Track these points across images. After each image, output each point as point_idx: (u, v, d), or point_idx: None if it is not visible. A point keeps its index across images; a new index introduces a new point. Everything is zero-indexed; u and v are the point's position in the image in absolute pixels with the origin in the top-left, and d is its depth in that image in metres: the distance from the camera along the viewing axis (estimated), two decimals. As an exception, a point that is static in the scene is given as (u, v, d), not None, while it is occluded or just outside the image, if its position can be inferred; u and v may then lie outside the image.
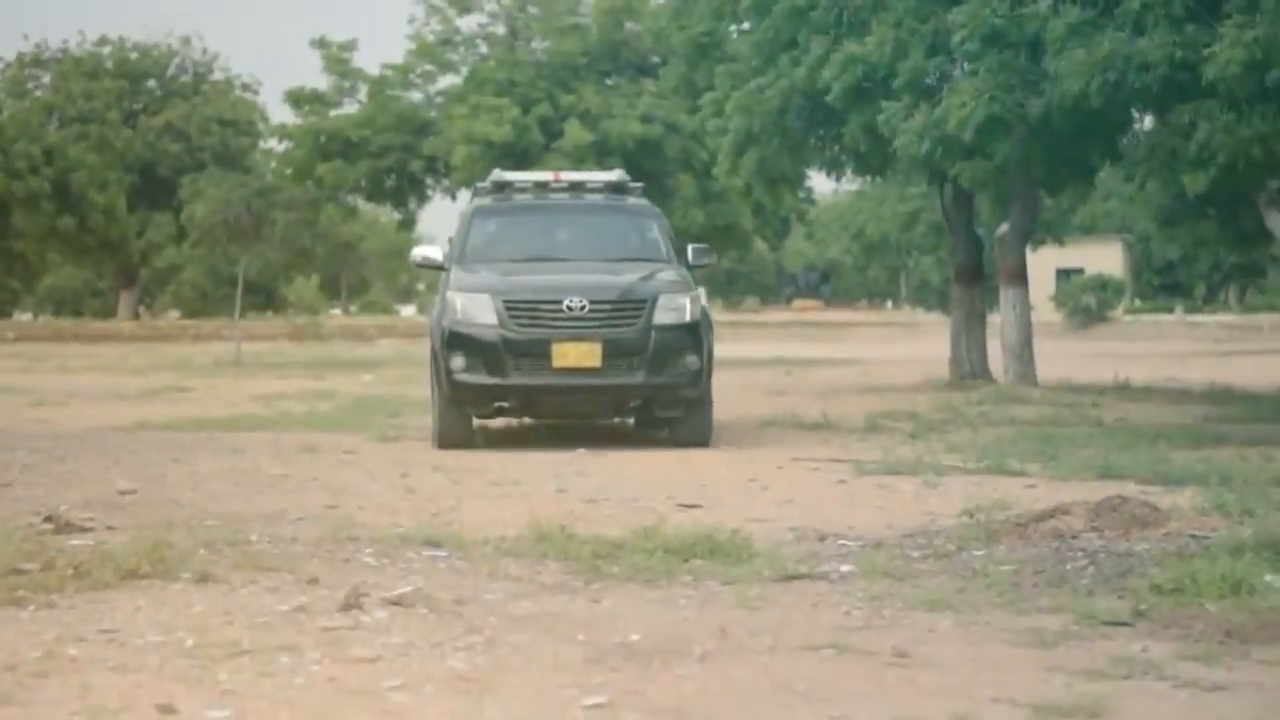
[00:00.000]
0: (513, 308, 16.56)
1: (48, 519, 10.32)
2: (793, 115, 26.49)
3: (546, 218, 18.88)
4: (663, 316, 16.62)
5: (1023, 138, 21.66)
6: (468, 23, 52.50)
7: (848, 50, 24.00)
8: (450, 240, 18.64)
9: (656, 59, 46.28)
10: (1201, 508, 10.88)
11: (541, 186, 19.29)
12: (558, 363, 16.42)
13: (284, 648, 6.86)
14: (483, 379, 16.56)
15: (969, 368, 29.46)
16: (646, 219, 18.77)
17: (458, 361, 16.56)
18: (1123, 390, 25.85)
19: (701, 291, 17.43)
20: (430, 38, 51.89)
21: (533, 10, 51.46)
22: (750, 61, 27.43)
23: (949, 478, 13.27)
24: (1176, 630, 7.46)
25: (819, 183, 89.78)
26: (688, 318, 16.79)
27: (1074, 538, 9.93)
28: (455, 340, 16.63)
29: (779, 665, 6.79)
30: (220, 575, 8.59)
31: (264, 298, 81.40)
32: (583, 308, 16.47)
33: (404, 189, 50.88)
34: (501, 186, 19.16)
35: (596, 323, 16.50)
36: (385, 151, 49.00)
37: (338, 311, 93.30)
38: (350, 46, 52.47)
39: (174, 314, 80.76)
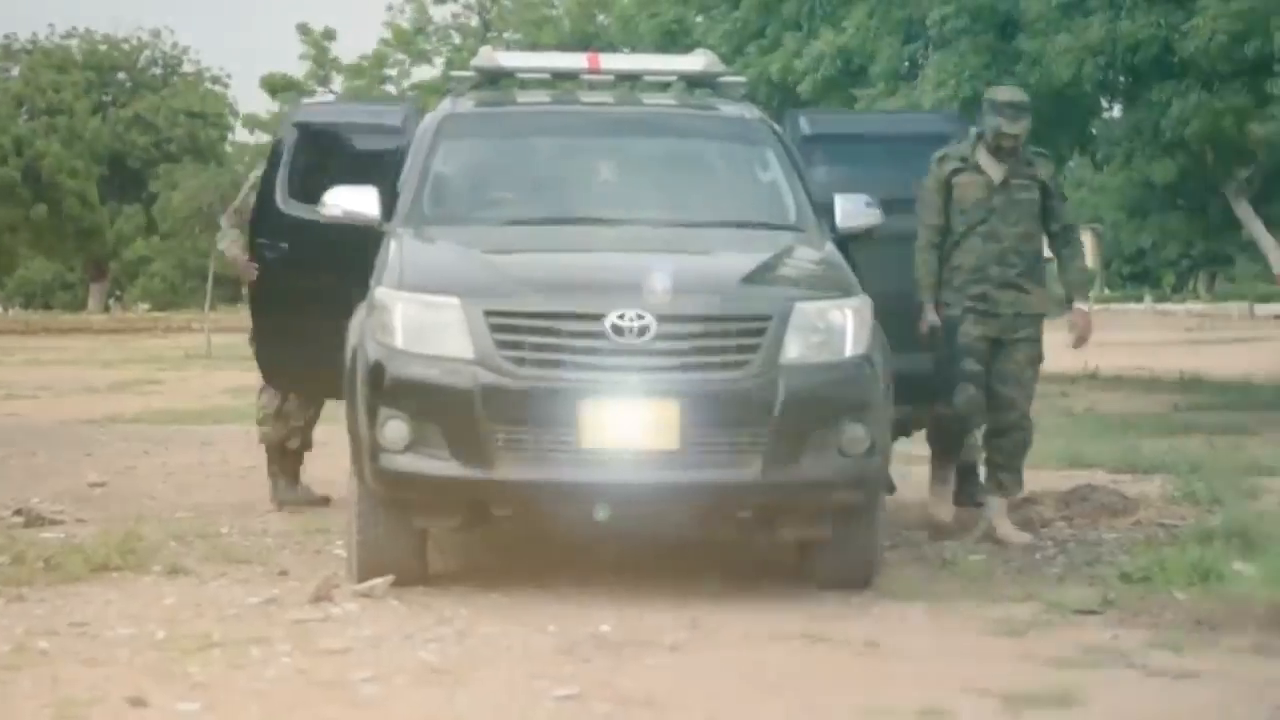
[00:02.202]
0: (505, 326, 7.92)
1: (18, 512, 10.32)
2: (761, 106, 26.60)
3: (575, 140, 9.95)
4: (800, 346, 8.06)
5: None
6: (441, 13, 52.81)
7: (826, 40, 24.09)
8: (396, 178, 9.49)
9: (627, 50, 46.41)
10: (1170, 496, 10.97)
11: (567, 79, 10.47)
12: (592, 439, 7.83)
13: (255, 640, 6.86)
14: (443, 468, 7.90)
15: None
16: (758, 142, 9.72)
17: (394, 432, 7.93)
18: (1092, 379, 25.84)
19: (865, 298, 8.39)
20: (405, 25, 52.22)
21: (506, 3, 51.67)
22: (719, 50, 27.52)
23: (917, 468, 13.26)
24: (1146, 618, 7.51)
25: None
26: (849, 348, 8.16)
27: (1044, 526, 10.01)
28: (391, 389, 8.02)
29: (749, 656, 6.81)
30: (191, 568, 8.62)
31: (234, 290, 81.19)
32: (643, 329, 7.84)
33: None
34: (494, 77, 10.28)
35: (670, 359, 7.91)
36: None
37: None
38: (330, 35, 52.87)
39: (144, 307, 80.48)
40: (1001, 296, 9.68)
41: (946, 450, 10.20)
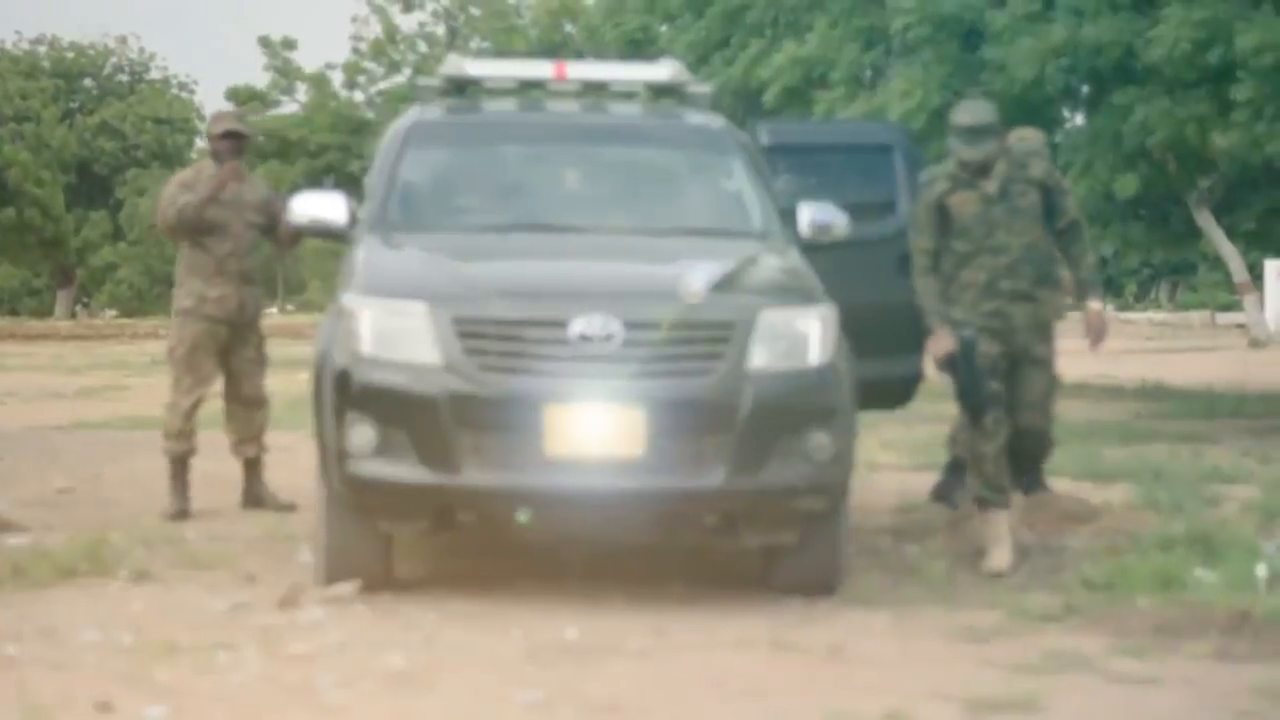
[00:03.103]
0: (473, 332, 7.92)
1: (-17, 518, 10.30)
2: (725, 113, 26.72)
3: (541, 148, 9.99)
4: (766, 354, 8.08)
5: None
6: (409, 22, 52.94)
7: (789, 51, 24.16)
8: (365, 185, 9.76)
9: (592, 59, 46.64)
10: (1133, 504, 10.98)
11: (534, 88, 10.36)
12: (557, 446, 7.85)
13: (222, 645, 6.88)
14: (410, 473, 7.92)
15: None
16: (724, 150, 9.77)
17: (361, 437, 7.96)
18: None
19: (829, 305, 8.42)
20: (372, 36, 52.38)
21: (474, 11, 51.79)
22: (684, 59, 27.64)
23: (883, 474, 13.30)
24: (1108, 625, 7.56)
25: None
26: (814, 356, 8.22)
27: (1007, 533, 9.97)
28: (358, 395, 8.04)
29: (714, 662, 6.83)
30: (158, 573, 8.62)
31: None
32: (608, 336, 7.87)
33: (342, 189, 51.07)
34: (460, 85, 10.21)
35: (634, 366, 7.89)
36: (323, 151, 49.16)
37: (274, 310, 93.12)
38: (291, 45, 53.00)
39: (110, 313, 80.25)
40: (1015, 310, 9.33)
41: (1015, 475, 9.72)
